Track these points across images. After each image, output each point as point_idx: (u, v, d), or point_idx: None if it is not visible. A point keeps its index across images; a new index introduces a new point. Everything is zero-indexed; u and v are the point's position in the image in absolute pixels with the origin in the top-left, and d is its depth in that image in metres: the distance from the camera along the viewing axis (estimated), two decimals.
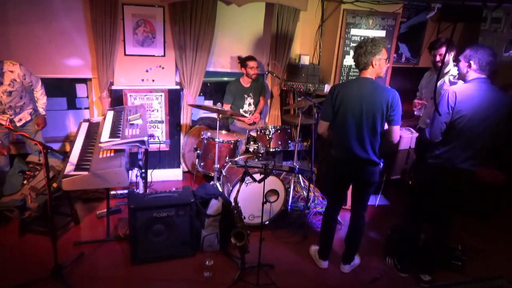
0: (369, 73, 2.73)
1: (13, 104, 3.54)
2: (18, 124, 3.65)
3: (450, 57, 3.61)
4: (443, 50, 3.57)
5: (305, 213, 3.88)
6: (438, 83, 3.64)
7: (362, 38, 4.42)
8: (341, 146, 2.84)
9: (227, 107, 4.50)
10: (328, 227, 3.15)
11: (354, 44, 4.44)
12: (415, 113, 3.96)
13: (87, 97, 4.47)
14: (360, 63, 2.70)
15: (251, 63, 4.30)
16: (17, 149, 4.06)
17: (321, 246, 3.23)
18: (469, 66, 2.64)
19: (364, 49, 2.65)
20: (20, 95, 3.58)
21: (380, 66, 2.70)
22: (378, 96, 2.67)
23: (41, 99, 3.75)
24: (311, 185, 4.15)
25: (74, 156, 3.02)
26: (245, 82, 4.50)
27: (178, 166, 4.76)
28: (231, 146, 4.04)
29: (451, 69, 3.58)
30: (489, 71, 2.63)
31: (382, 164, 2.87)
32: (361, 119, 2.70)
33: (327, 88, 4.59)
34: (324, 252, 3.22)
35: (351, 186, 3.06)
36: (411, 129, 4.17)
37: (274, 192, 3.67)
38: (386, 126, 2.79)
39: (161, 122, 4.50)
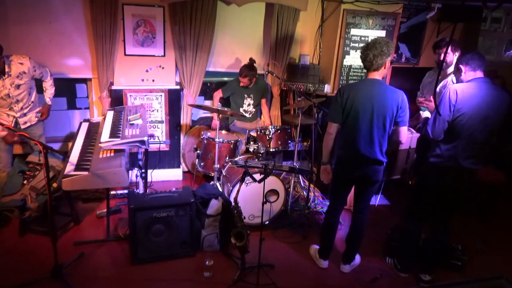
0: (379, 74, 2.73)
1: (20, 98, 3.51)
2: (23, 127, 3.61)
3: (454, 57, 3.61)
4: (449, 49, 3.57)
5: (305, 213, 3.88)
6: (442, 84, 3.64)
7: (362, 38, 4.44)
8: (349, 146, 2.83)
9: (218, 94, 4.48)
10: (329, 226, 3.15)
11: (354, 44, 4.45)
12: (421, 110, 3.96)
13: (87, 97, 4.47)
14: (374, 64, 2.66)
15: (241, 79, 4.25)
16: (22, 149, 4.03)
17: (322, 246, 3.23)
18: (461, 70, 2.72)
19: (380, 50, 2.61)
20: (29, 91, 3.56)
21: (388, 66, 2.73)
22: (388, 98, 2.68)
23: (50, 89, 3.76)
24: (311, 185, 4.15)
25: (74, 156, 3.02)
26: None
27: (178, 166, 4.76)
28: (231, 146, 4.04)
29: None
30: (483, 68, 2.67)
31: (385, 163, 2.88)
32: (371, 120, 2.71)
33: (327, 88, 4.59)
34: (324, 252, 3.22)
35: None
36: (411, 129, 4.17)
37: (274, 192, 3.67)
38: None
39: (161, 122, 4.50)
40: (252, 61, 4.22)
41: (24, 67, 3.44)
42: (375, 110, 2.69)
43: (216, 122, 3.92)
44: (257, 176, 2.91)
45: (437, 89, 3.59)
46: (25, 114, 3.62)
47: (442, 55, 3.60)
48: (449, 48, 3.57)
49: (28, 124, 3.66)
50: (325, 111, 4.03)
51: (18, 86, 3.45)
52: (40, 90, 3.78)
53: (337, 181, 3.05)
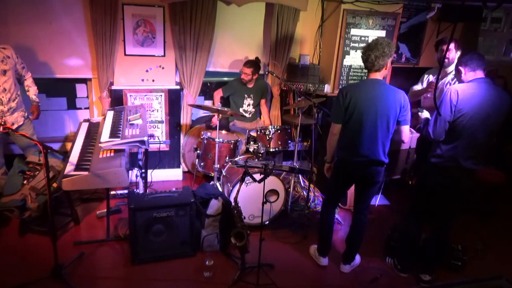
0: (380, 75, 2.74)
1: (8, 88, 3.39)
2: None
3: (456, 55, 3.60)
4: (451, 45, 3.57)
5: (305, 213, 3.88)
6: (441, 82, 3.64)
7: (362, 38, 4.44)
8: (351, 147, 2.82)
9: (219, 94, 4.49)
10: (326, 223, 3.16)
11: (354, 44, 4.45)
12: (419, 112, 3.97)
13: (87, 97, 4.47)
14: (376, 65, 2.67)
15: (245, 69, 4.28)
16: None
17: (320, 242, 3.24)
18: (461, 72, 2.73)
19: (382, 51, 2.62)
20: (14, 82, 3.47)
21: (389, 67, 2.74)
22: (391, 98, 2.69)
23: (33, 87, 3.66)
24: (311, 185, 4.15)
25: (74, 156, 3.03)
26: (248, 83, 4.49)
27: (178, 166, 4.76)
28: (231, 146, 4.04)
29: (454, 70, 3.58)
30: (482, 67, 2.67)
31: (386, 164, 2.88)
32: (375, 121, 2.71)
33: (327, 88, 4.59)
34: (323, 248, 3.22)
35: (352, 186, 3.06)
36: (412, 129, 4.17)
37: (274, 192, 3.67)
38: None
39: (161, 122, 4.50)
40: (258, 59, 4.28)
41: (7, 52, 3.38)
42: (379, 111, 2.69)
43: (215, 121, 3.92)
44: (257, 176, 2.91)
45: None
46: (13, 111, 3.47)
47: (445, 50, 3.60)
48: (453, 45, 3.57)
49: (16, 126, 3.52)
50: (325, 111, 4.03)
51: (4, 72, 3.35)
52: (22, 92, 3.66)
53: (336, 179, 3.04)
